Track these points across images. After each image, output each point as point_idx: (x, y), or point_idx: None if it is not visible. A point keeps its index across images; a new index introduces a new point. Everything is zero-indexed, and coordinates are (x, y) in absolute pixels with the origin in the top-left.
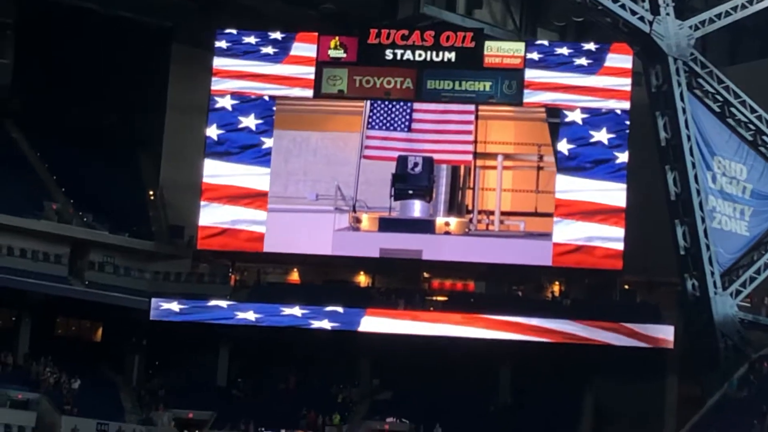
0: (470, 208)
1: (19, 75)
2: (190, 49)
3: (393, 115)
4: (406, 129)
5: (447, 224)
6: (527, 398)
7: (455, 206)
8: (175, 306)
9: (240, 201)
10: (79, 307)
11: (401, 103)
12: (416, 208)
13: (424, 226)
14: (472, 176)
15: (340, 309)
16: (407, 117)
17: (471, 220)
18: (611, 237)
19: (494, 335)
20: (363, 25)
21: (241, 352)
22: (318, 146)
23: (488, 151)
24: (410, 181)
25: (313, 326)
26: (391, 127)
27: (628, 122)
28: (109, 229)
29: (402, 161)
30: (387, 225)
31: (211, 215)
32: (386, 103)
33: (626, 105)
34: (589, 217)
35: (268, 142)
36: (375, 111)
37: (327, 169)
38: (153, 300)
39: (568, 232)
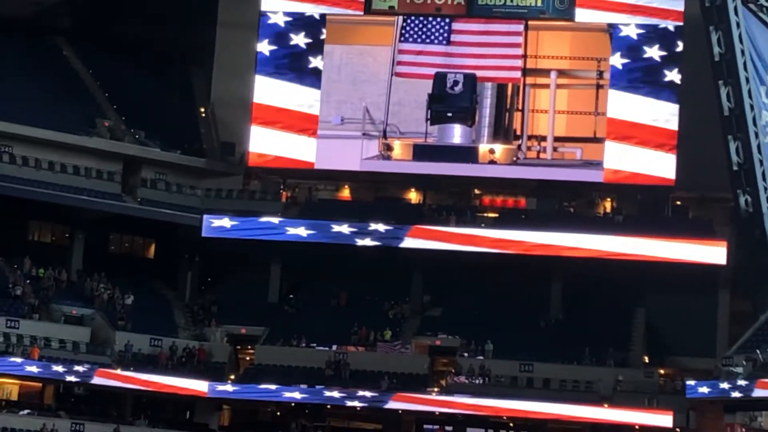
0: (519, 132)
1: None
2: None
3: (430, 26)
4: (444, 42)
5: (492, 152)
6: (579, 314)
7: (501, 131)
8: (226, 222)
9: (291, 127)
10: (131, 224)
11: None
12: (456, 134)
13: (466, 153)
14: (521, 96)
15: (381, 228)
16: (446, 28)
17: (519, 147)
18: (664, 162)
19: (546, 251)
20: None
21: (292, 267)
22: (342, 62)
23: (540, 67)
24: (449, 101)
25: (358, 244)
26: (428, 40)
27: (680, 42)
28: (160, 146)
29: (440, 79)
30: (423, 153)
31: (262, 139)
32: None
33: (679, 23)
34: (641, 143)
35: (317, 62)
36: (409, 21)
37: (353, 88)
38: (204, 217)
39: (620, 158)
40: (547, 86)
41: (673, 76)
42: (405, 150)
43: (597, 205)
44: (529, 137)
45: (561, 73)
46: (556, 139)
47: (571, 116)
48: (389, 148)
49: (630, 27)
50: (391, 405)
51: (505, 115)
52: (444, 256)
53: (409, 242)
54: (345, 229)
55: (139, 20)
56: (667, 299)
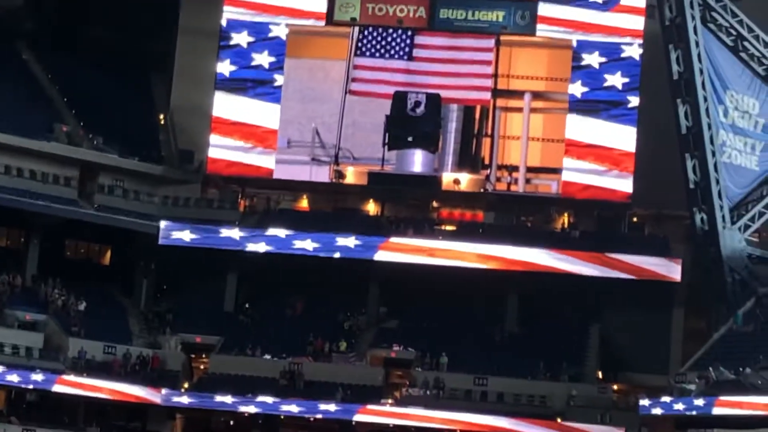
0: (487, 161)
1: None
2: None
3: (390, 39)
4: (405, 57)
5: (457, 182)
6: (534, 328)
7: (468, 159)
8: (186, 235)
9: (249, 139)
10: (88, 230)
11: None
12: (417, 161)
13: (427, 183)
14: (491, 120)
15: (351, 244)
16: (407, 42)
17: (488, 177)
18: (620, 181)
19: (502, 265)
20: None
21: (249, 277)
22: (290, 77)
23: (512, 88)
24: (410, 125)
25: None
26: (387, 55)
27: (639, 67)
28: (119, 152)
29: (400, 99)
30: (379, 182)
31: (221, 148)
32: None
33: (639, 49)
34: (599, 160)
35: (279, 79)
36: (366, 33)
37: (302, 107)
38: (164, 226)
39: (577, 174)
40: (520, 110)
41: (634, 101)
42: (359, 178)
43: (554, 220)
44: (499, 167)
45: (536, 95)
46: (529, 169)
47: (546, 144)
48: (341, 175)
49: (593, 56)
50: (357, 418)
51: (472, 142)
52: (401, 268)
53: (380, 255)
54: (308, 245)
55: (100, 25)
56: (622, 315)
